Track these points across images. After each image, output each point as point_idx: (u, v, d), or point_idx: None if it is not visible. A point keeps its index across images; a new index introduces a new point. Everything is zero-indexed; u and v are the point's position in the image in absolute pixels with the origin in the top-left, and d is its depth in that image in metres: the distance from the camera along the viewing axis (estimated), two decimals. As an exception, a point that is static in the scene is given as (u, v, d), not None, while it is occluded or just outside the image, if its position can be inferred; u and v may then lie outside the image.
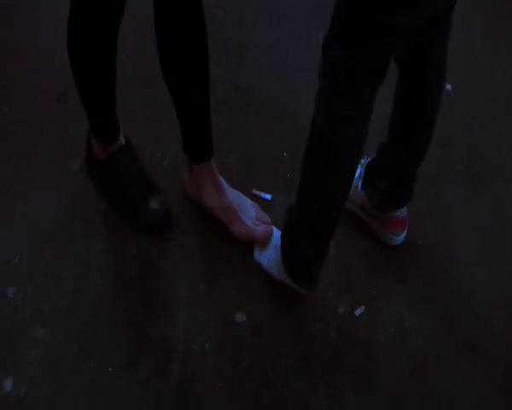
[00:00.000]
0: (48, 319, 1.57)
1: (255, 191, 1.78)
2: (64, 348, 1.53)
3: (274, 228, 1.67)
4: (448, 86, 1.97)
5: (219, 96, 1.92)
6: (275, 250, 1.56)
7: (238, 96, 1.99)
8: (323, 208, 1.38)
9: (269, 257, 1.61)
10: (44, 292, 1.61)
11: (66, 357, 1.52)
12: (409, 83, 1.45)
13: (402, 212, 1.68)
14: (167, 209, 1.68)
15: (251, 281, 1.64)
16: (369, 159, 1.67)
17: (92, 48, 1.41)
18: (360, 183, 1.67)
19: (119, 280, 1.64)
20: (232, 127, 1.90)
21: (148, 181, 1.70)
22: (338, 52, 1.20)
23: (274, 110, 1.96)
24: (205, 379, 1.51)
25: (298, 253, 1.48)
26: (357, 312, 1.63)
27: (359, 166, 1.62)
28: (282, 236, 1.50)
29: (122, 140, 1.68)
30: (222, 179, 1.66)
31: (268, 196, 1.77)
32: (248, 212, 1.66)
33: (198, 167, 1.64)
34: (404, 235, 1.71)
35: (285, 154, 1.90)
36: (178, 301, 1.61)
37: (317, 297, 1.58)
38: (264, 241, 1.62)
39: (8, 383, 1.48)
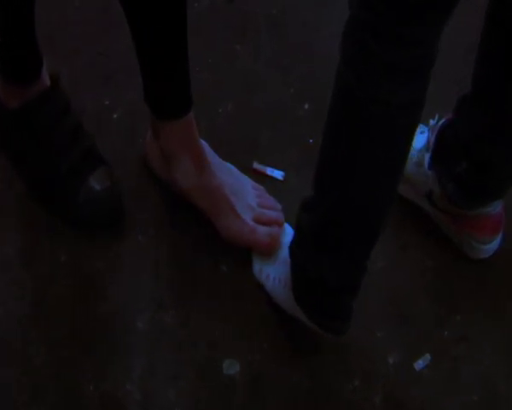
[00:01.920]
0: None
1: (258, 166, 1.46)
2: None
3: (287, 226, 1.34)
4: None
5: (204, 6, 1.64)
6: (285, 265, 1.25)
7: (234, 10, 1.67)
8: (358, 207, 1.11)
9: (275, 274, 1.30)
10: None
11: None
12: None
13: (494, 208, 1.35)
14: (117, 191, 1.39)
15: (247, 310, 1.35)
16: (444, 121, 1.32)
17: None
18: (427, 158, 1.33)
19: (39, 307, 1.33)
20: (224, 61, 1.60)
21: (86, 146, 1.39)
22: None
23: (290, 38, 1.63)
24: None
25: (316, 275, 1.18)
26: (419, 364, 1.31)
27: (427, 128, 1.35)
28: (290, 249, 1.22)
29: (46, 80, 1.36)
30: (206, 147, 1.36)
31: (278, 174, 1.45)
32: (247, 198, 1.35)
33: (168, 128, 1.33)
34: (496, 243, 1.40)
35: (306, 106, 1.55)
36: (133, 340, 1.31)
37: (351, 340, 1.29)
38: (270, 247, 1.32)
39: None
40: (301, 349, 1.31)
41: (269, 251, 1.32)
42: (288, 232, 1.32)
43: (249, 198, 1.35)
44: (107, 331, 1.30)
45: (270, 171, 1.43)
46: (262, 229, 1.32)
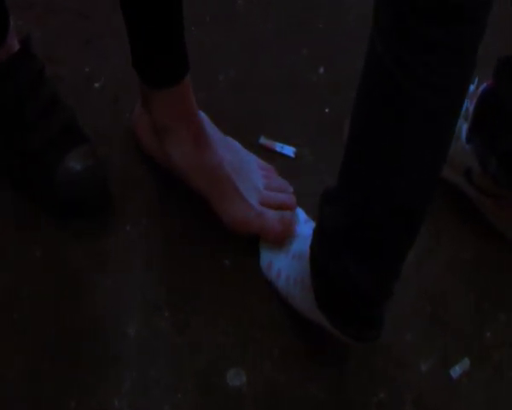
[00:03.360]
0: None
1: (266, 141, 1.37)
2: None
3: (300, 212, 1.26)
4: None
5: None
6: (300, 260, 1.17)
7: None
8: (399, 199, 1.01)
9: (289, 272, 1.21)
10: None
11: None
12: None
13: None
14: (100, 173, 1.29)
15: (254, 311, 1.27)
16: (484, 86, 1.23)
17: None
18: (465, 129, 1.24)
19: (11, 312, 1.25)
20: (224, 20, 1.50)
21: (64, 120, 1.29)
22: None
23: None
24: None
25: (343, 280, 1.09)
26: (456, 371, 1.22)
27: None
28: (311, 249, 1.13)
29: (13, 44, 1.27)
30: (205, 120, 1.28)
31: (289, 150, 1.36)
32: (253, 179, 1.27)
33: (160, 97, 1.25)
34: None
35: (321, 70, 1.45)
36: (122, 348, 1.23)
37: (376, 344, 1.20)
38: (281, 235, 1.25)
39: None
40: (317, 356, 1.22)
41: (280, 240, 1.23)
42: (302, 219, 1.23)
43: (255, 179, 1.27)
44: (92, 338, 1.22)
45: (279, 147, 1.36)
46: (271, 213, 1.24)
